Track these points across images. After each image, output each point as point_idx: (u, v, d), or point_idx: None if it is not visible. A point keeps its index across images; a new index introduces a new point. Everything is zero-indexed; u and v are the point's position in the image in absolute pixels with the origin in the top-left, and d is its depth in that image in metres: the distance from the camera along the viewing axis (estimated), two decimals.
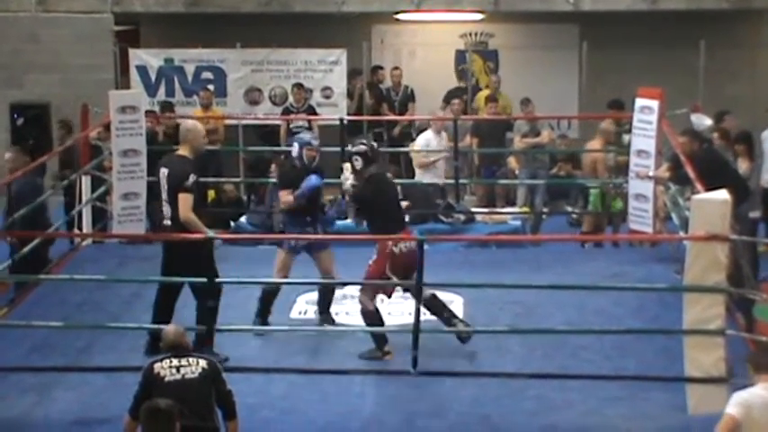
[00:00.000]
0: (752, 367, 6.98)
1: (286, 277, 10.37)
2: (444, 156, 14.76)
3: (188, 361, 7.28)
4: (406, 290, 10.06)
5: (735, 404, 6.81)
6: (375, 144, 10.35)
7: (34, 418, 8.85)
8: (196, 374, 7.22)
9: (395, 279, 9.73)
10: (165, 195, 9.69)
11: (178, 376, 7.20)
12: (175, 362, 7.27)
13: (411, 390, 9.21)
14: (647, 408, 8.75)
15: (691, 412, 8.53)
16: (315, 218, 10.59)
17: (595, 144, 14.41)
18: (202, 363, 7.31)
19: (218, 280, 9.47)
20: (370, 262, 9.82)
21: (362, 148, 9.98)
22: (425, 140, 14.76)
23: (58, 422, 8.77)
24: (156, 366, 7.27)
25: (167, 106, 16.58)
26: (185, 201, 9.54)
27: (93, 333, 10.18)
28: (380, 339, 9.81)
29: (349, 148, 10.51)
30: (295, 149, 10.50)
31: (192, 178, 9.54)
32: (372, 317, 9.84)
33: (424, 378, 9.28)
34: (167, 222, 9.71)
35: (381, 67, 18.31)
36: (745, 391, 6.94)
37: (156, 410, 6.45)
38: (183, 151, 9.81)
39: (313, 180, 10.31)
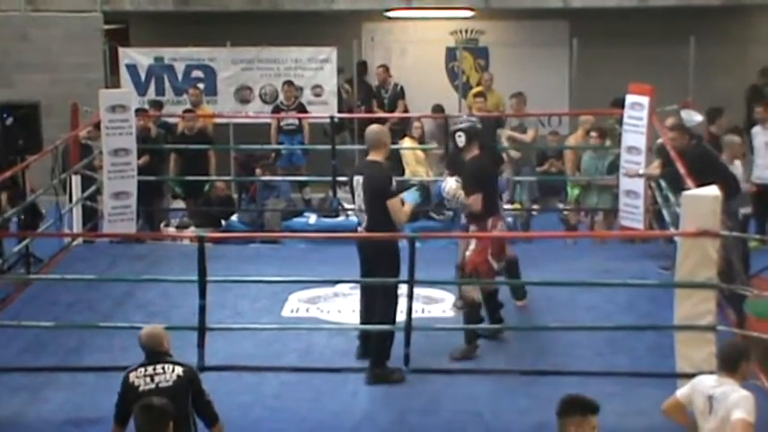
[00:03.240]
0: (719, 360, 7.03)
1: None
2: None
3: (163, 368, 7.07)
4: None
5: (686, 386, 6.94)
6: (477, 121, 10.28)
7: (26, 418, 8.84)
8: (170, 383, 6.98)
9: (496, 266, 9.79)
10: (359, 203, 9.40)
11: (152, 385, 6.97)
12: (150, 370, 7.07)
13: (403, 388, 9.21)
14: (639, 404, 8.74)
15: None
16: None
17: (577, 137, 14.47)
18: (178, 370, 7.06)
19: (209, 279, 9.45)
20: (468, 252, 9.73)
21: (465, 125, 9.98)
22: None
23: (50, 422, 8.76)
24: (131, 376, 7.09)
25: (156, 105, 16.57)
26: (395, 205, 9.31)
27: (84, 333, 10.16)
28: (473, 334, 9.77)
29: (453, 126, 10.56)
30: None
31: (394, 183, 9.39)
32: (474, 308, 9.76)
33: (416, 376, 9.29)
34: (361, 230, 9.53)
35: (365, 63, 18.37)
36: (704, 376, 7.02)
37: (149, 407, 6.36)
38: (375, 156, 9.48)
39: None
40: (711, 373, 8.41)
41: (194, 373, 7.19)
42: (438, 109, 15.82)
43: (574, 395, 6.15)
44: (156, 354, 7.18)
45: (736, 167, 12.00)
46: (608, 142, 14.02)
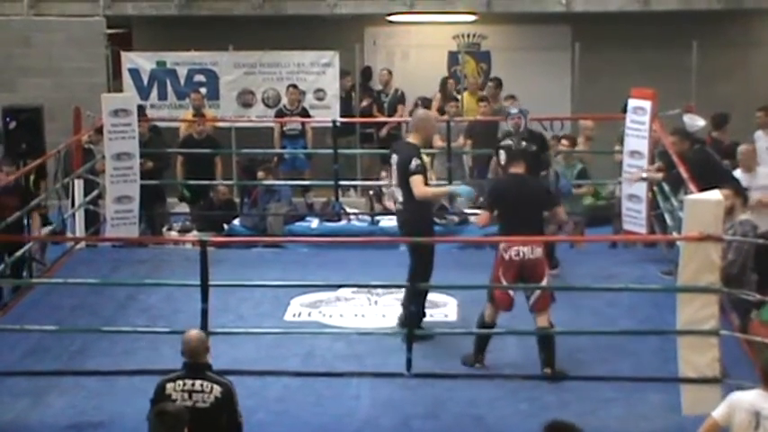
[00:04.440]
0: (760, 374, 6.95)
1: None
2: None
3: (202, 386, 6.92)
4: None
5: (722, 405, 6.86)
6: (521, 143, 10.31)
7: (28, 422, 8.83)
8: (207, 404, 6.87)
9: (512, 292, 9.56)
10: (394, 180, 10.12)
11: (189, 403, 6.82)
12: (189, 384, 6.92)
13: (406, 392, 9.21)
14: (642, 408, 8.76)
15: (685, 413, 8.53)
16: None
17: (579, 143, 14.54)
18: (216, 390, 6.93)
19: (212, 283, 9.45)
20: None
21: (507, 142, 10.03)
22: None
23: (53, 426, 8.76)
24: (169, 387, 6.94)
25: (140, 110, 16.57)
26: (417, 182, 9.81)
27: (86, 337, 10.15)
28: (478, 348, 9.67)
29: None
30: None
31: (415, 161, 9.81)
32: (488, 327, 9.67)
33: (418, 380, 9.29)
34: (399, 206, 10.10)
35: (370, 68, 18.38)
36: (740, 392, 6.96)
37: (163, 413, 6.31)
38: (412, 138, 10.23)
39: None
40: (716, 381, 8.48)
41: (231, 393, 7.02)
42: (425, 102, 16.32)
43: (557, 421, 6.06)
44: (197, 366, 7.03)
45: (759, 175, 11.94)
46: (617, 147, 14.04)
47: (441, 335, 10.06)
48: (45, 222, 12.79)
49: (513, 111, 11.83)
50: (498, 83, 17.78)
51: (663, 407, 8.82)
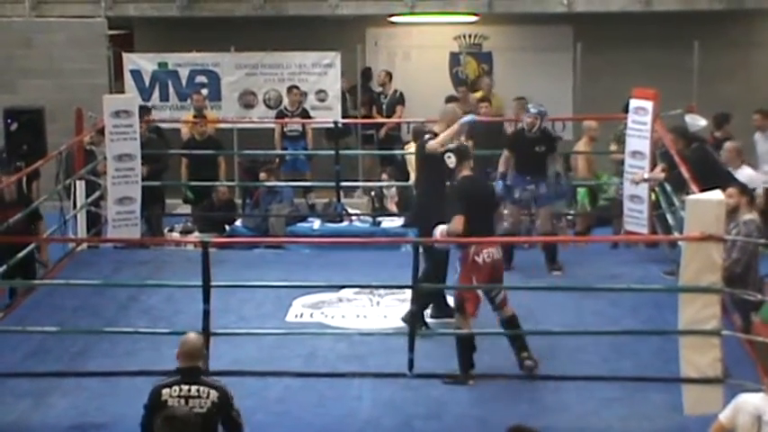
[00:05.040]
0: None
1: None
2: None
3: (198, 391, 6.81)
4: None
5: (729, 407, 6.87)
6: (467, 143, 10.38)
7: (30, 423, 8.84)
8: (204, 409, 6.75)
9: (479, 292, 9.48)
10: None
11: (185, 409, 6.69)
12: (185, 390, 6.81)
13: (407, 392, 9.21)
14: (644, 408, 8.76)
15: (687, 413, 8.53)
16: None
17: (584, 143, 14.52)
18: (213, 395, 6.82)
19: (213, 284, 9.45)
20: (456, 275, 9.57)
21: (452, 145, 10.00)
22: None
23: (54, 427, 8.76)
24: (165, 393, 6.82)
25: (145, 110, 16.56)
26: (431, 145, 10.25)
27: (88, 338, 10.16)
28: (467, 363, 9.45)
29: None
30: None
31: (428, 137, 10.34)
32: (465, 340, 9.44)
33: (420, 381, 9.28)
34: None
35: (370, 69, 18.38)
36: (747, 394, 6.97)
37: (172, 418, 6.27)
38: (437, 128, 10.55)
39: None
40: (718, 381, 8.48)
41: (228, 397, 6.92)
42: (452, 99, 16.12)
43: (520, 425, 6.22)
44: (192, 370, 6.93)
45: (743, 173, 11.97)
46: (613, 147, 14.05)
47: (443, 335, 10.04)
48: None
49: (533, 110, 11.97)
50: (472, 88, 17.85)
51: (665, 407, 8.82)
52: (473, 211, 9.40)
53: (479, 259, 9.31)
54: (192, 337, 7.14)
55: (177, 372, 6.96)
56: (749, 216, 10.12)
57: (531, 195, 11.85)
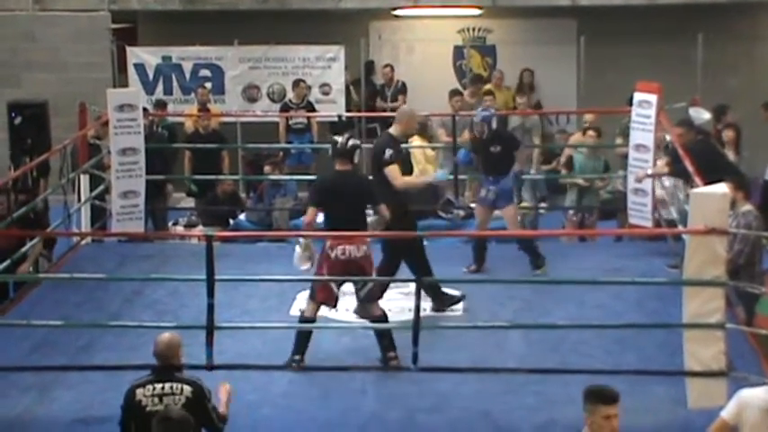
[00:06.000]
0: None
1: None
2: None
3: (171, 388, 6.87)
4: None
5: (731, 404, 6.86)
6: (342, 139, 10.11)
7: (35, 416, 8.86)
8: (179, 405, 6.75)
9: (333, 286, 9.46)
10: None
11: (160, 406, 6.75)
12: (158, 388, 6.87)
13: (411, 386, 9.20)
14: (648, 402, 8.75)
15: (690, 406, 8.52)
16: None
17: (577, 137, 14.54)
18: (186, 390, 6.87)
19: (218, 278, 9.46)
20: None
21: (335, 139, 9.91)
22: None
23: (59, 421, 8.78)
24: (139, 393, 6.89)
25: (161, 105, 16.60)
26: (393, 172, 10.14)
27: (93, 332, 10.17)
28: (302, 345, 9.50)
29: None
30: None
31: (389, 151, 10.13)
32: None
33: (424, 374, 9.25)
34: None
35: (373, 62, 18.39)
36: (748, 390, 6.96)
37: (167, 419, 6.27)
38: (393, 130, 10.51)
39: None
40: (722, 374, 8.47)
41: (203, 391, 6.94)
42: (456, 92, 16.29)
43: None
44: (167, 368, 6.99)
45: None
46: (618, 140, 14.05)
47: (446, 329, 10.05)
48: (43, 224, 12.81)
49: (476, 119, 11.81)
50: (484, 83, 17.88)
51: (668, 400, 8.82)
52: (330, 207, 9.51)
53: (332, 254, 9.33)
54: (166, 336, 7.16)
55: (151, 371, 7.02)
56: (746, 207, 10.13)
57: (495, 194, 11.75)
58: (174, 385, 6.89)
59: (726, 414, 6.88)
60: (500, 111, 16.01)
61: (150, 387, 6.89)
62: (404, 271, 10.50)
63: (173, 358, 7.06)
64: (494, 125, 11.65)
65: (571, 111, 18.12)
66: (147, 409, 6.80)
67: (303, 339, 9.47)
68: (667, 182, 12.30)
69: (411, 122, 10.61)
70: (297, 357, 9.43)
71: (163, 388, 6.88)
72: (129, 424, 6.86)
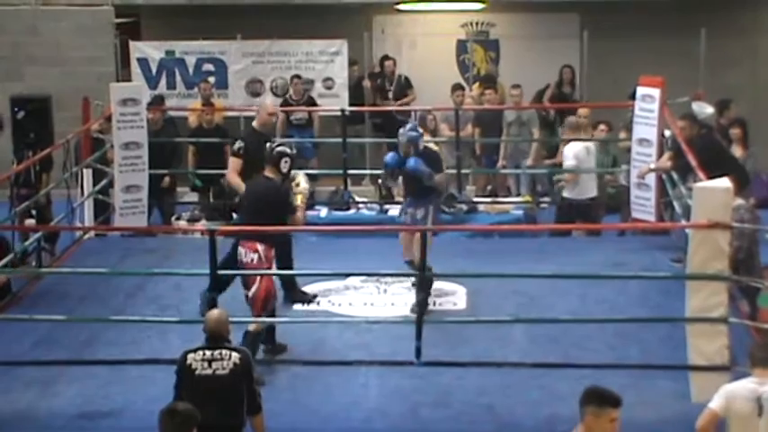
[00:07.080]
0: (749, 359, 7.01)
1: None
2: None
3: (221, 354, 7.34)
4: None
5: (718, 397, 6.86)
6: (271, 146, 9.97)
7: (38, 411, 8.87)
8: (227, 370, 7.29)
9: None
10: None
11: (209, 371, 7.28)
12: (208, 354, 7.34)
13: (415, 380, 9.21)
14: (651, 396, 8.76)
15: (694, 400, 8.52)
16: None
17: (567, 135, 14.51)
18: (235, 357, 7.35)
19: (222, 272, 9.47)
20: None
21: (272, 145, 10.01)
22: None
23: (62, 415, 8.79)
24: (190, 357, 7.36)
25: (158, 100, 16.56)
26: (231, 163, 10.80)
27: (95, 326, 10.17)
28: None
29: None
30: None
31: (238, 143, 10.79)
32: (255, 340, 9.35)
33: (427, 368, 9.28)
34: None
35: (388, 57, 18.30)
36: (732, 384, 6.98)
37: (173, 413, 6.39)
38: (254, 123, 11.13)
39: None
40: (725, 368, 8.47)
41: (249, 360, 7.47)
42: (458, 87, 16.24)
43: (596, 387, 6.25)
44: (218, 339, 7.45)
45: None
46: (622, 134, 14.04)
47: (450, 323, 10.05)
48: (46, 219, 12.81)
49: (402, 140, 10.86)
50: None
51: (672, 394, 8.82)
52: (246, 209, 9.87)
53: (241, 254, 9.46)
54: (215, 313, 7.69)
55: (205, 340, 7.49)
56: (738, 201, 10.11)
57: (411, 218, 10.81)
58: (224, 351, 7.38)
59: (715, 406, 6.88)
60: (500, 104, 16.08)
61: (201, 352, 7.37)
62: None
63: (221, 331, 7.52)
64: (420, 146, 10.80)
65: (573, 105, 18.08)
66: (197, 372, 7.30)
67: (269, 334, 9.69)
68: None
69: (263, 114, 11.08)
70: (268, 347, 9.63)
71: (212, 354, 7.35)
72: (182, 386, 7.31)
